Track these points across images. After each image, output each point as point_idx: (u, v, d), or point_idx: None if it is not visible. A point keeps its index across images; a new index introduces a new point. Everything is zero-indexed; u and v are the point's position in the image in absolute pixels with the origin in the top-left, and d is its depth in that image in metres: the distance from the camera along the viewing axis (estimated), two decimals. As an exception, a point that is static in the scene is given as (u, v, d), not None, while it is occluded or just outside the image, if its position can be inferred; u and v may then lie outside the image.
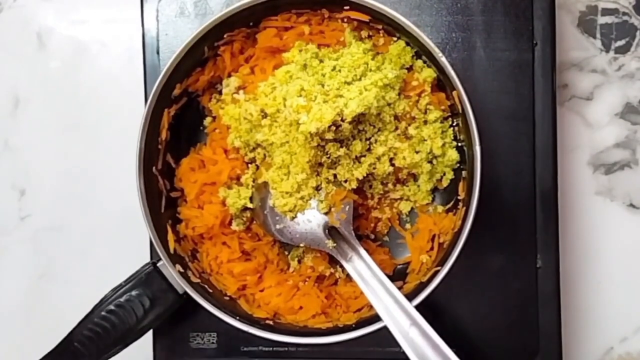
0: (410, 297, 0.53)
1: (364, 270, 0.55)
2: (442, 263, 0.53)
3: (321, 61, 0.58)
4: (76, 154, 0.70)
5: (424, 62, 0.57)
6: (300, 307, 0.59)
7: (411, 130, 0.57)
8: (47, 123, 0.71)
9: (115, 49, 0.71)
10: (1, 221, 0.71)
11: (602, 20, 0.67)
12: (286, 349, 0.58)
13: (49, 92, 0.71)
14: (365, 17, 0.56)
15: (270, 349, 0.59)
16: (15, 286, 0.71)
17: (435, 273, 0.53)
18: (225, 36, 0.57)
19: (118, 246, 0.69)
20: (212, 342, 0.60)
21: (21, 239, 0.71)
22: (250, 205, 0.59)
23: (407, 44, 0.57)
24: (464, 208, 0.55)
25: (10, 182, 0.71)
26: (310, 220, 0.58)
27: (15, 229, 0.71)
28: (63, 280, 0.70)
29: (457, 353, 0.59)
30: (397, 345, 0.59)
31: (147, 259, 0.60)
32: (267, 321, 0.57)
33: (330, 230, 0.57)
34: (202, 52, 0.57)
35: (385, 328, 0.51)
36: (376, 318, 0.52)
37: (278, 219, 0.58)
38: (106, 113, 0.70)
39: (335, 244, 0.56)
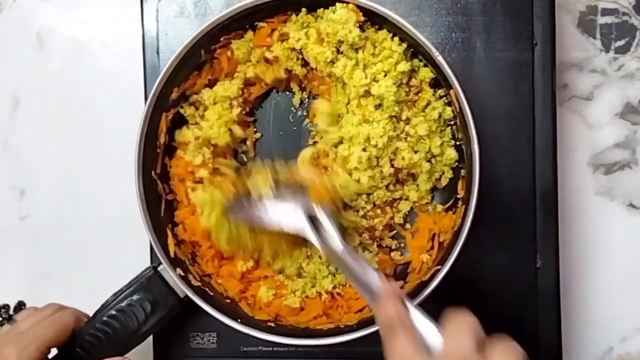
0: (411, 296, 0.53)
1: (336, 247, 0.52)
2: (442, 262, 0.53)
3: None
4: (76, 154, 0.70)
5: (420, 60, 0.57)
6: (302, 309, 0.59)
7: (409, 129, 0.57)
8: (47, 123, 0.71)
9: (115, 49, 0.71)
10: (1, 221, 0.71)
11: (602, 20, 0.67)
12: (286, 348, 0.58)
13: (49, 92, 0.71)
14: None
15: (270, 348, 0.59)
16: (15, 286, 0.71)
17: (436, 272, 0.53)
18: (222, 39, 0.57)
19: (117, 246, 0.69)
20: (212, 342, 0.60)
21: (21, 239, 0.71)
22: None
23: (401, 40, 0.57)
24: (464, 206, 0.55)
25: (10, 182, 0.71)
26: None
27: (15, 229, 0.71)
28: (63, 280, 0.70)
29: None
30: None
31: (146, 259, 0.60)
32: (269, 323, 0.57)
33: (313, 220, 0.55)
34: (199, 56, 0.57)
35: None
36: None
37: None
38: (106, 113, 0.70)
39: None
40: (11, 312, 0.57)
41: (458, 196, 0.58)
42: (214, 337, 0.60)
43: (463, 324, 0.40)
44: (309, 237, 0.53)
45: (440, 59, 0.52)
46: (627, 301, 0.66)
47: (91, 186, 0.70)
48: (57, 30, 0.72)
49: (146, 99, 0.60)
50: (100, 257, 0.70)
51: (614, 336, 0.66)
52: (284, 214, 0.55)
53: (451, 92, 0.54)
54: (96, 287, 0.68)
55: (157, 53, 0.61)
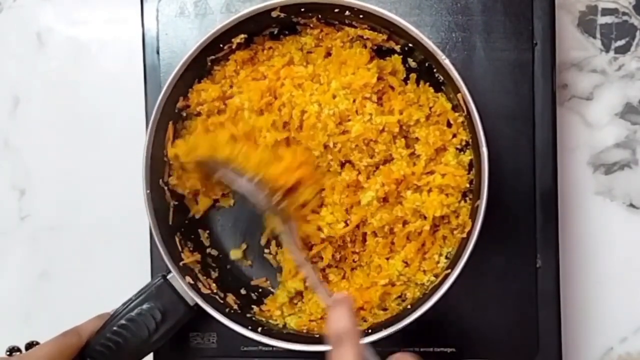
0: (421, 301, 0.53)
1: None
2: (451, 266, 0.53)
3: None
4: (76, 153, 0.70)
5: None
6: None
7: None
8: (47, 123, 0.71)
9: (115, 49, 0.71)
10: (1, 221, 0.71)
11: (602, 20, 0.67)
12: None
13: (49, 92, 0.71)
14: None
15: (270, 348, 0.59)
16: (15, 286, 0.71)
17: (446, 276, 0.53)
18: (225, 47, 0.57)
19: (118, 246, 0.69)
20: (212, 342, 0.60)
21: (21, 239, 0.71)
22: None
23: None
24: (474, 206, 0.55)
25: (10, 182, 0.71)
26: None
27: (15, 229, 0.71)
28: (63, 280, 0.70)
29: (457, 353, 0.59)
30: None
31: (147, 258, 0.60)
32: (283, 331, 0.57)
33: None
34: (204, 64, 0.57)
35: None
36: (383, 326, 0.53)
37: None
38: (106, 113, 0.70)
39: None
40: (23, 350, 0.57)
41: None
42: (214, 337, 0.60)
43: None
44: (286, 239, 0.56)
45: (447, 62, 0.52)
46: (627, 301, 0.66)
47: (91, 186, 0.70)
48: (57, 30, 0.72)
49: (146, 99, 0.60)
50: (100, 257, 0.70)
51: (614, 336, 0.66)
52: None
53: (458, 95, 0.54)
54: (96, 287, 0.69)
55: (157, 53, 0.61)
